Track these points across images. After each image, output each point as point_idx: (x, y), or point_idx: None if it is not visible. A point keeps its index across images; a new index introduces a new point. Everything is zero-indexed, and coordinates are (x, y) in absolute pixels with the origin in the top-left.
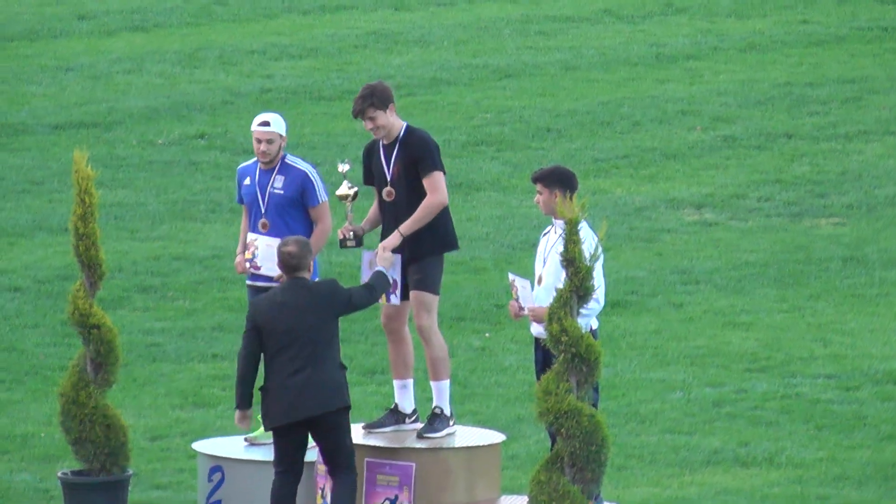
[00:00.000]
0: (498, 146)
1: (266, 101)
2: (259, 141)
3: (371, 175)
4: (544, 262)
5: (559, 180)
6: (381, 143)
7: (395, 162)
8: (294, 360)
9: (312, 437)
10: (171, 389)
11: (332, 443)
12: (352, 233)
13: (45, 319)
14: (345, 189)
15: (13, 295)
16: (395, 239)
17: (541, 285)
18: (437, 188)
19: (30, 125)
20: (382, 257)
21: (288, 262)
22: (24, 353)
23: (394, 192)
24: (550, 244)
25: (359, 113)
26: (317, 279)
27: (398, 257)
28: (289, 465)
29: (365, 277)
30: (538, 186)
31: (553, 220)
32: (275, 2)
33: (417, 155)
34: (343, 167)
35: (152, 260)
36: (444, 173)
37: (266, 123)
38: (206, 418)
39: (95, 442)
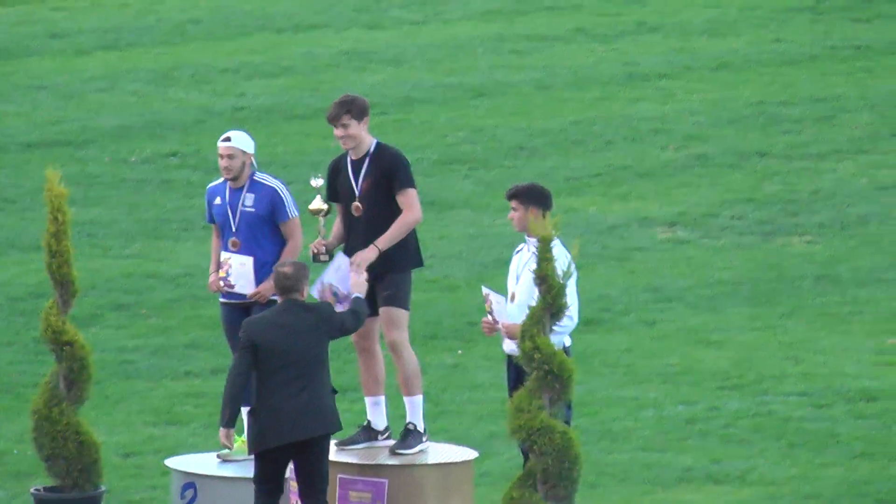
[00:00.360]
0: (471, 165)
1: (239, 119)
2: (221, 156)
3: (335, 192)
4: (517, 280)
5: (536, 198)
6: (348, 158)
7: (364, 177)
8: (293, 382)
9: (294, 458)
10: (145, 407)
11: (315, 467)
12: (324, 247)
13: (18, 337)
14: (318, 204)
15: None
16: (371, 253)
17: (514, 303)
18: (412, 205)
19: (2, 143)
20: (358, 283)
21: (283, 284)
22: None
23: (361, 207)
24: (523, 262)
25: (334, 118)
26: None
27: (339, 258)
28: (276, 485)
29: (330, 277)
30: (513, 203)
31: (526, 237)
32: (248, 20)
33: (390, 172)
34: (316, 182)
35: (125, 277)
36: (417, 190)
37: (227, 139)
38: (179, 435)
39: (68, 458)
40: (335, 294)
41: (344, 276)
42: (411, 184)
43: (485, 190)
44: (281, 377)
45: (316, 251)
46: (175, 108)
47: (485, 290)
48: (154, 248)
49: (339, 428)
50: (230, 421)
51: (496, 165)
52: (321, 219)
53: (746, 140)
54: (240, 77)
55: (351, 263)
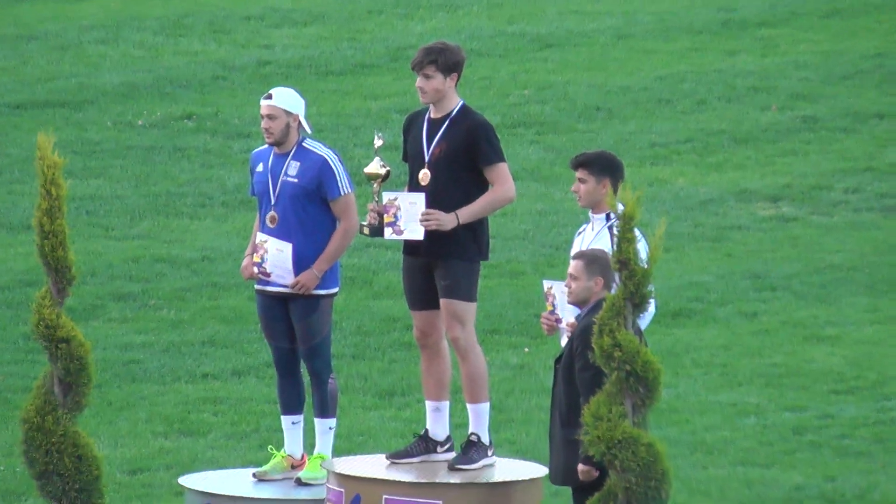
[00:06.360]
0: (538, 128)
1: (264, 75)
2: (262, 117)
3: (406, 151)
4: None
5: (608, 168)
6: (427, 115)
7: (439, 140)
8: None
9: None
10: (154, 414)
11: None
12: (378, 218)
13: (5, 333)
14: (375, 167)
15: None
16: (449, 219)
17: None
18: (505, 180)
19: None
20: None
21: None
22: None
23: (429, 175)
24: (587, 244)
25: (417, 65)
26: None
27: (421, 197)
28: None
29: (403, 200)
30: (580, 173)
31: (591, 214)
32: None
33: (472, 142)
34: (378, 141)
35: (131, 262)
36: (507, 164)
37: (269, 97)
38: (195, 448)
39: (64, 475)
40: (396, 216)
41: (411, 214)
42: (501, 157)
43: (555, 158)
44: None
45: (371, 221)
46: (189, 62)
47: (546, 284)
48: (165, 228)
49: None
50: None
51: (568, 129)
52: (377, 185)
53: (862, 99)
54: (265, 26)
55: (421, 215)
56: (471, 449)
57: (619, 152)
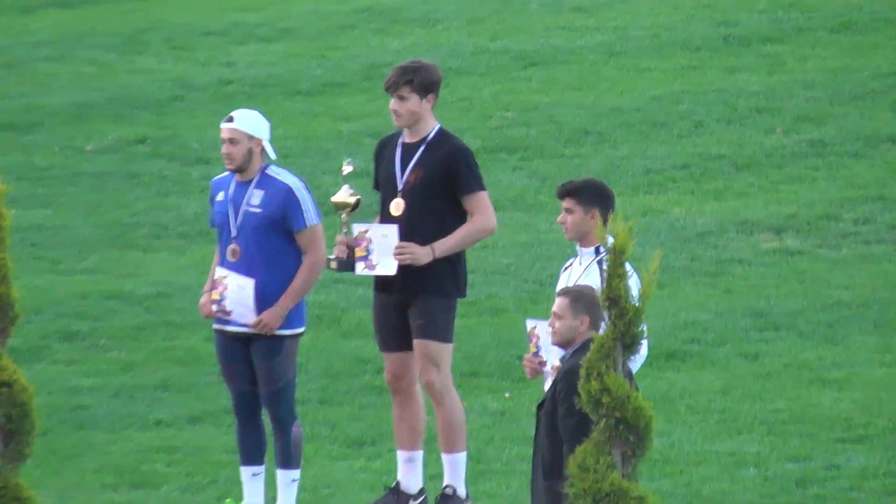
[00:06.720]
0: (522, 153)
1: (226, 95)
2: (222, 141)
3: (377, 178)
4: None
5: (597, 197)
6: (401, 140)
7: (414, 167)
8: None
9: None
10: (103, 464)
11: None
12: (347, 252)
13: None
14: (344, 195)
15: None
16: (424, 253)
17: None
18: (485, 210)
19: None
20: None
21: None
22: None
23: (403, 205)
24: (574, 280)
25: (392, 86)
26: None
27: (394, 229)
28: None
29: (374, 232)
30: (567, 203)
31: (579, 247)
32: None
33: (450, 169)
34: (347, 168)
35: (79, 298)
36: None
37: (230, 119)
38: (147, 501)
39: None
40: (368, 250)
41: (384, 246)
42: (481, 185)
43: (540, 185)
44: None
45: (339, 255)
46: (145, 81)
47: (530, 323)
48: (117, 262)
49: None
50: None
51: (554, 154)
52: (346, 215)
53: (875, 121)
54: (227, 42)
55: (395, 248)
56: (446, 503)
57: (609, 179)
